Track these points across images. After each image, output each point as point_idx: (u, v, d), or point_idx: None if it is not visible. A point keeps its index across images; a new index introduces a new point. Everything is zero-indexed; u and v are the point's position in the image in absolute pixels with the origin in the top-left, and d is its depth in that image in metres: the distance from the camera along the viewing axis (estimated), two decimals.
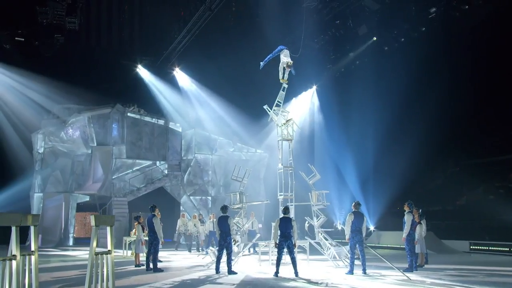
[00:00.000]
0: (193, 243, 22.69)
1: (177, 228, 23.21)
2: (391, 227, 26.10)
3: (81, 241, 29.40)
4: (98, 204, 29.40)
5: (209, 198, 31.99)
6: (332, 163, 30.31)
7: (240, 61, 26.87)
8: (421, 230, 15.10)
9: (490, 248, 20.73)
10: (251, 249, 20.23)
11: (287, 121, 16.31)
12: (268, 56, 17.30)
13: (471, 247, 21.57)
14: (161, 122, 31.52)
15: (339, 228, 16.06)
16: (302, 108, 32.23)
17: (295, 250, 12.70)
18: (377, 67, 27.49)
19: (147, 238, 14.84)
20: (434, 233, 22.15)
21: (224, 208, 13.46)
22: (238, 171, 16.27)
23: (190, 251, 22.13)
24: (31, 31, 25.94)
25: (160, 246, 14.42)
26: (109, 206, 28.74)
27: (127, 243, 19.62)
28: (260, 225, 24.21)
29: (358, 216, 13.19)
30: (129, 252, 19.33)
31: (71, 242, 28.03)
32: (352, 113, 29.33)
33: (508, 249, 20.01)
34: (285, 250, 12.87)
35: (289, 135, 16.23)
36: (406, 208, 14.28)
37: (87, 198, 29.53)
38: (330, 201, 26.06)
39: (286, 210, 12.93)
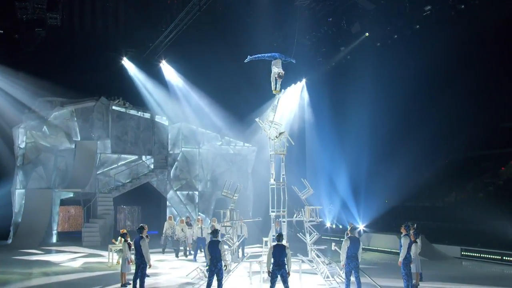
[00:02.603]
0: (180, 248, 22.06)
1: (163, 231, 22.61)
2: (382, 227, 25.86)
3: (64, 236, 28.75)
4: (83, 200, 28.66)
5: (196, 193, 31.30)
6: (322, 162, 29.83)
7: (229, 57, 26.02)
8: (416, 249, 14.64)
9: (481, 255, 20.48)
10: (240, 252, 19.76)
11: (280, 134, 15.66)
12: (259, 55, 16.83)
13: (462, 253, 21.32)
14: (147, 115, 30.73)
15: (334, 248, 15.53)
16: (292, 103, 31.44)
17: (289, 279, 12.22)
18: (369, 63, 26.96)
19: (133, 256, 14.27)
20: (425, 237, 21.80)
21: (215, 232, 12.84)
22: (229, 185, 15.66)
23: (177, 256, 21.59)
24: (11, 24, 24.74)
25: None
26: (93, 203, 28.07)
27: (112, 251, 19.01)
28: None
29: (354, 242, 12.75)
30: (115, 257, 18.75)
31: (54, 239, 27.34)
32: (343, 107, 28.86)
33: (499, 257, 19.82)
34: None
35: (281, 149, 15.62)
36: (403, 231, 13.80)
37: (71, 194, 28.72)
38: (319, 201, 25.66)
39: (279, 237, 12.35)
